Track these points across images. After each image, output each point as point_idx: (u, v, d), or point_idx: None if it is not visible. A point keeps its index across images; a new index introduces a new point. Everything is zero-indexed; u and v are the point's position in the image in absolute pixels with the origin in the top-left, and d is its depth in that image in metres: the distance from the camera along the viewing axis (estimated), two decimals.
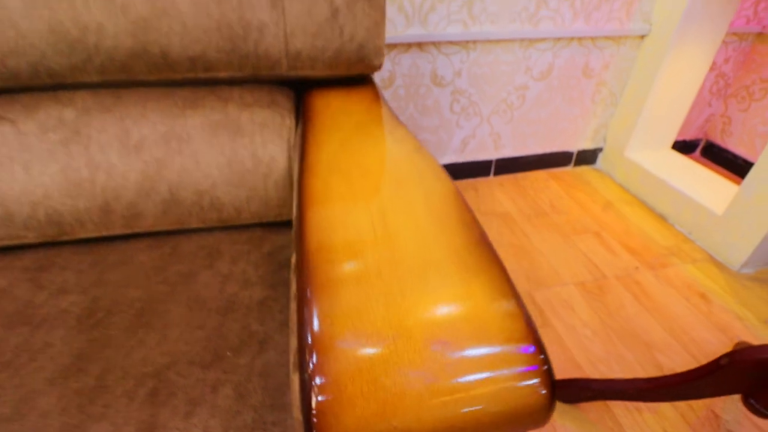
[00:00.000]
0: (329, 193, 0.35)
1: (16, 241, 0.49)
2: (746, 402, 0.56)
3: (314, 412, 0.20)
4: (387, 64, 1.07)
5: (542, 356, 0.24)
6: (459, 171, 1.34)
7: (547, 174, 1.41)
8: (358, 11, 0.51)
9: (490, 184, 1.34)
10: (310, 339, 0.23)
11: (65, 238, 0.50)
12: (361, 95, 0.55)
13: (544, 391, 0.23)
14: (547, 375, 0.23)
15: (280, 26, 0.49)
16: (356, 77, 0.60)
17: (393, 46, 1.04)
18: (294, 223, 0.36)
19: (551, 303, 0.91)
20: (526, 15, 1.08)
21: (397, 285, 0.26)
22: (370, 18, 0.52)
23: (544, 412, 0.23)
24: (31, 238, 0.49)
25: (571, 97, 1.28)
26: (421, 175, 0.38)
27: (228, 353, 0.36)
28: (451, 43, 1.08)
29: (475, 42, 1.09)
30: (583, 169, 1.44)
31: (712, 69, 1.37)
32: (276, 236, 0.52)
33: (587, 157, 1.45)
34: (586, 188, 1.33)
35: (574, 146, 1.41)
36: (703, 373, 0.57)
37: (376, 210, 0.33)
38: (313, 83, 0.59)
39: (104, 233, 0.50)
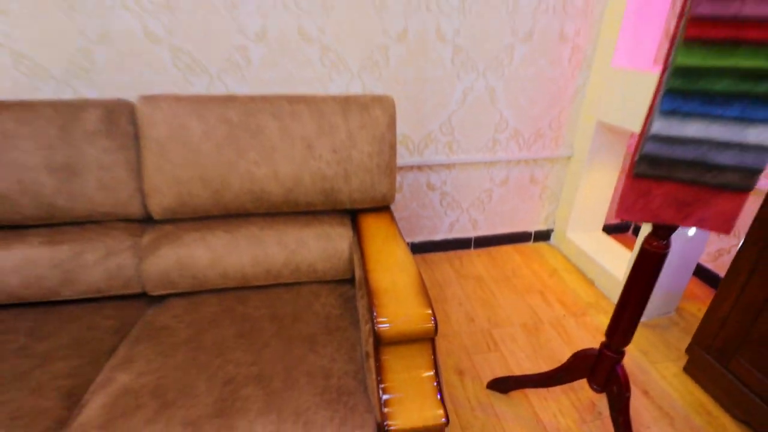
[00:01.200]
0: (375, 266, 0.89)
1: (207, 287, 1.03)
2: (588, 383, 1.04)
3: (379, 333, 0.72)
4: (397, 178, 1.66)
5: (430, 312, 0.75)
6: (447, 245, 1.88)
7: (513, 248, 1.94)
8: (383, 181, 1.09)
9: (470, 255, 1.88)
10: (375, 314, 0.75)
11: (232, 285, 1.04)
12: (385, 217, 1.12)
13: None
14: (434, 322, 0.75)
15: (348, 189, 1.07)
16: (381, 207, 1.17)
17: (401, 168, 1.64)
18: (359, 278, 0.89)
19: (502, 337, 1.40)
20: (487, 148, 1.69)
21: (397, 298, 0.79)
22: (388, 182, 1.11)
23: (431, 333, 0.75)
24: (220, 285, 1.03)
25: (524, 197, 1.86)
26: (407, 260, 0.92)
27: (326, 334, 0.88)
28: (439, 165, 1.68)
29: (454, 164, 1.69)
30: (540, 245, 1.97)
31: (622, 171, 1.95)
32: (343, 286, 1.06)
33: (543, 235, 1.99)
34: (540, 259, 1.85)
35: (532, 228, 1.96)
36: (566, 366, 1.05)
37: (391, 274, 0.86)
38: (360, 210, 1.16)
39: (263, 282, 1.05)
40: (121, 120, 1.02)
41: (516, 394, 1.18)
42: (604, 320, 1.48)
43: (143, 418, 0.69)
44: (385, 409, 0.68)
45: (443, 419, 0.67)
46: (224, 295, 1.02)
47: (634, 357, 1.32)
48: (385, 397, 0.69)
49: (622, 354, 0.95)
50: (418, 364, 0.72)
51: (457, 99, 1.56)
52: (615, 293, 1.56)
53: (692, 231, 1.31)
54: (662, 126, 0.64)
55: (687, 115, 0.62)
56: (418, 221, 1.80)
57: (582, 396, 1.18)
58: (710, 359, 1.16)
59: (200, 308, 0.96)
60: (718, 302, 1.12)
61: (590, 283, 1.69)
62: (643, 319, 1.48)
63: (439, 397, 0.69)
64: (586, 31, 1.53)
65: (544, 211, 1.93)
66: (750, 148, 0.61)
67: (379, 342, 0.72)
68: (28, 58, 1.22)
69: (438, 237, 1.87)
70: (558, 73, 1.59)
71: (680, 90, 0.60)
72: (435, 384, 0.70)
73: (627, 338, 0.92)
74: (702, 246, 1.36)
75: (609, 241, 1.80)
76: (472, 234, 1.90)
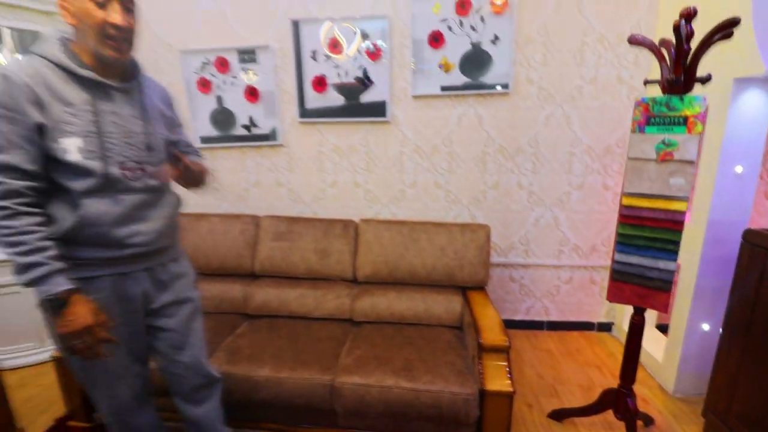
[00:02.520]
0: (478, 316, 1.68)
1: (384, 320, 1.90)
2: (613, 412, 1.60)
3: (482, 344, 1.49)
4: (490, 271, 2.46)
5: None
6: (524, 324, 2.53)
7: (579, 334, 2.50)
8: (481, 272, 1.92)
9: (543, 334, 2.49)
10: (481, 335, 1.53)
11: (397, 320, 1.89)
12: (482, 293, 1.92)
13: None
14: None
15: (462, 275, 1.92)
16: (480, 287, 1.98)
17: (492, 264, 2.44)
18: (467, 321, 1.68)
19: (563, 390, 1.97)
20: (554, 255, 2.43)
21: (491, 329, 1.55)
22: (484, 273, 1.93)
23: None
24: (390, 319, 1.89)
25: (586, 293, 2.48)
26: (494, 314, 1.69)
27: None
28: (518, 264, 2.45)
29: (529, 265, 2.44)
30: (603, 334, 2.50)
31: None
32: (455, 330, 1.84)
33: (605, 327, 2.52)
34: (601, 344, 2.38)
35: (595, 319, 2.52)
36: (598, 400, 1.64)
37: (487, 319, 1.64)
38: (468, 287, 1.99)
39: (413, 321, 1.89)
40: (350, 230, 2.05)
41: (568, 423, 1.75)
42: (645, 390, 1.96)
43: (373, 366, 1.52)
44: (483, 381, 1.42)
45: (510, 389, 1.37)
46: (393, 325, 1.88)
47: (667, 419, 1.79)
48: (483, 376, 1.43)
49: (631, 390, 1.54)
50: (499, 360, 1.45)
51: (531, 222, 2.38)
52: (657, 372, 2.04)
53: (707, 326, 1.83)
54: (619, 257, 1.39)
55: (629, 254, 1.37)
56: (503, 303, 2.52)
57: (614, 427, 1.70)
58: (715, 419, 1.62)
59: (382, 329, 1.83)
60: (715, 376, 1.63)
61: (640, 365, 2.17)
62: (679, 395, 1.93)
63: (509, 377, 1.40)
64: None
65: (604, 306, 2.50)
66: (662, 270, 1.33)
67: (482, 349, 1.48)
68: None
69: (517, 317, 2.54)
70: (605, 208, 2.33)
71: (623, 243, 1.37)
72: (507, 372, 1.42)
73: (631, 379, 1.53)
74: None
75: (658, 335, 2.28)
76: (544, 318, 2.54)
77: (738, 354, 1.50)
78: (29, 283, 0.90)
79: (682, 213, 1.27)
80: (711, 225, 1.72)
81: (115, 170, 0.99)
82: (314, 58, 2.25)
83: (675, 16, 1.27)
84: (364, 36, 2.20)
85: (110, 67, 0.99)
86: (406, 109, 2.28)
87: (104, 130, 0.98)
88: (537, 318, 2.54)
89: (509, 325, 2.54)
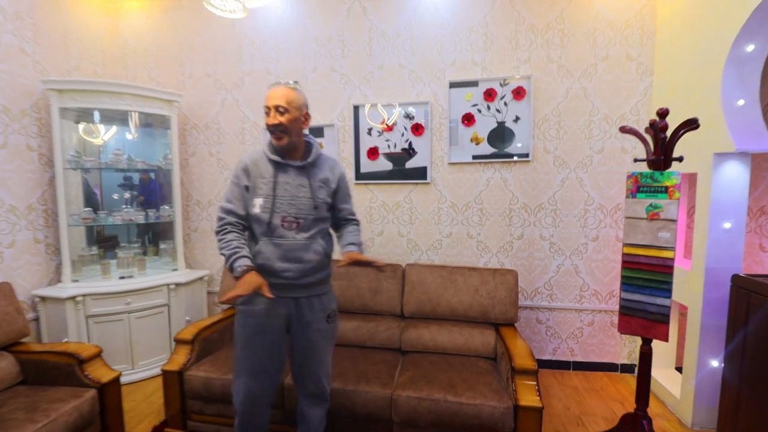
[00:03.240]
0: (510, 346, 2.00)
1: (428, 349, 2.23)
2: None
3: (515, 367, 1.81)
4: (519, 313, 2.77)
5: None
6: (550, 364, 2.78)
7: (603, 374, 2.72)
8: (511, 311, 2.26)
9: (569, 374, 2.72)
10: (513, 361, 1.85)
11: (440, 351, 2.22)
12: (512, 328, 2.25)
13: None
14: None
15: (494, 313, 2.27)
16: (510, 323, 2.30)
17: (520, 307, 2.76)
18: (501, 351, 2.01)
19: (588, 421, 2.19)
20: (576, 300, 2.73)
21: (521, 356, 1.87)
22: (514, 311, 2.27)
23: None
24: (433, 350, 2.23)
25: (608, 335, 2.73)
26: (524, 345, 2.01)
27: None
28: (544, 308, 2.75)
29: (554, 308, 2.75)
30: (626, 375, 2.71)
31: None
32: (490, 360, 2.15)
33: (628, 368, 2.73)
34: (624, 384, 2.59)
35: (618, 360, 2.74)
36: (618, 425, 1.88)
37: (517, 349, 1.95)
38: (499, 324, 2.31)
39: (452, 352, 2.22)
40: (398, 272, 2.46)
41: None
42: (666, 424, 2.16)
43: (423, 383, 1.85)
44: (517, 397, 1.72)
45: (540, 404, 1.67)
46: (436, 354, 2.20)
47: None
48: (517, 388, 1.74)
49: (646, 413, 1.80)
50: (529, 380, 1.76)
51: (553, 269, 2.72)
52: (676, 408, 2.24)
53: (715, 362, 2.07)
54: (624, 294, 1.74)
55: (632, 292, 1.71)
56: (531, 343, 2.79)
57: None
58: None
59: (427, 357, 2.16)
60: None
61: (661, 403, 2.37)
62: (697, 428, 2.12)
63: (538, 395, 1.70)
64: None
65: (626, 348, 2.73)
66: (659, 305, 1.66)
67: (514, 372, 1.80)
68: None
69: (544, 357, 2.79)
70: (619, 257, 2.66)
71: (626, 283, 1.72)
72: (537, 391, 1.72)
73: (645, 402, 1.79)
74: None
75: (676, 374, 2.48)
76: (570, 359, 2.78)
77: (737, 382, 1.75)
78: (230, 267, 1.40)
79: (671, 259, 1.63)
80: (708, 272, 2.04)
81: (277, 221, 1.47)
82: (369, 133, 2.82)
83: (665, 101, 1.72)
84: (410, 117, 2.76)
85: (289, 151, 1.50)
86: (443, 173, 2.77)
87: (277, 194, 1.48)
88: (563, 358, 2.78)
89: (537, 364, 2.79)
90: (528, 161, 2.68)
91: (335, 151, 2.87)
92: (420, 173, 2.79)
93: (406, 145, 2.79)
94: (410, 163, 2.80)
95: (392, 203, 2.85)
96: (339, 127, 2.86)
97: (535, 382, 1.76)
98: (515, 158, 2.68)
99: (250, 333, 1.52)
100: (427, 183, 2.79)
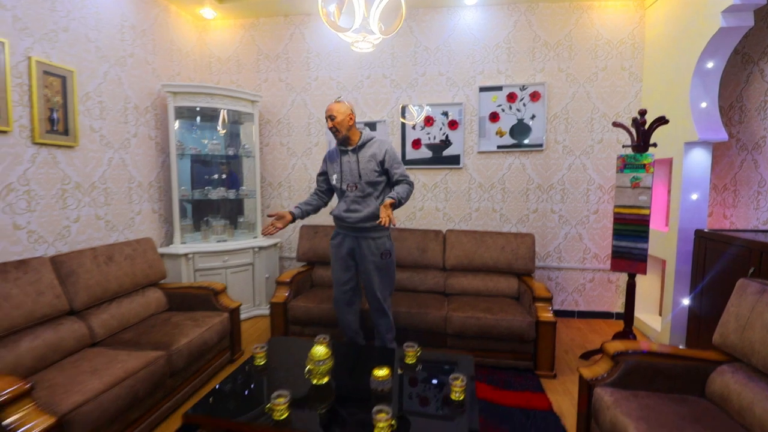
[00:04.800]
0: (532, 285, 2.67)
1: (467, 292, 2.92)
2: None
3: (534, 296, 2.50)
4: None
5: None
6: (558, 314, 3.46)
7: (602, 320, 3.40)
8: (530, 265, 2.94)
9: (574, 321, 3.40)
10: (534, 294, 2.53)
11: (474, 293, 2.91)
12: (531, 278, 2.93)
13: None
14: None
15: (517, 265, 2.95)
16: (529, 273, 2.99)
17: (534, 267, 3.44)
18: (523, 290, 2.69)
19: (590, 347, 2.87)
20: (579, 261, 3.40)
21: (538, 290, 2.55)
22: (532, 265, 2.95)
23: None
24: (470, 292, 2.91)
25: (605, 289, 3.40)
26: (542, 285, 2.69)
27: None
28: (553, 267, 3.43)
29: (561, 268, 3.42)
30: (619, 321, 3.38)
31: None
32: (514, 298, 2.83)
33: (621, 315, 3.40)
34: (618, 326, 3.26)
35: (614, 309, 3.42)
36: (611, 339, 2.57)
37: (536, 288, 2.63)
38: (521, 273, 2.99)
39: (484, 293, 2.90)
40: (440, 236, 3.15)
41: (592, 360, 2.65)
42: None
43: (468, 308, 2.53)
44: (537, 315, 2.40)
45: (554, 319, 2.35)
46: (472, 296, 2.89)
47: None
48: (537, 310, 2.42)
49: (631, 330, 2.47)
50: (545, 304, 2.44)
51: (561, 237, 3.40)
52: (657, 338, 2.91)
53: (686, 301, 2.74)
54: (615, 242, 2.42)
55: (620, 240, 2.39)
56: None
57: None
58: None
59: (465, 296, 2.84)
60: None
61: (646, 337, 3.05)
62: None
63: (551, 314, 2.38)
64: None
65: (620, 299, 3.40)
66: (639, 249, 2.34)
67: (534, 299, 2.48)
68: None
69: (554, 308, 3.47)
70: None
71: (616, 233, 2.41)
72: (551, 311, 2.40)
73: (630, 320, 2.46)
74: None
75: (658, 318, 3.16)
76: (575, 309, 3.45)
77: (698, 306, 2.43)
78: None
79: (647, 215, 2.31)
80: (680, 231, 2.71)
81: (344, 187, 2.23)
82: (413, 128, 3.50)
83: (651, 102, 2.40)
84: (447, 114, 3.44)
85: (345, 141, 2.24)
86: (473, 159, 3.45)
87: (343, 170, 2.24)
88: (569, 308, 3.46)
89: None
90: (542, 150, 3.36)
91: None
92: (454, 160, 3.47)
93: (443, 137, 3.47)
94: (446, 152, 3.48)
95: (431, 184, 3.54)
96: (389, 122, 3.55)
97: (550, 306, 2.44)
98: (531, 148, 3.35)
99: (331, 256, 2.37)
100: (460, 168, 3.47)
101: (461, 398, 1.50)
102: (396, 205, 2.09)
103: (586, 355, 2.68)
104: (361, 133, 2.27)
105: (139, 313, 2.40)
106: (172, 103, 3.17)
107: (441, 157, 3.49)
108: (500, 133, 3.39)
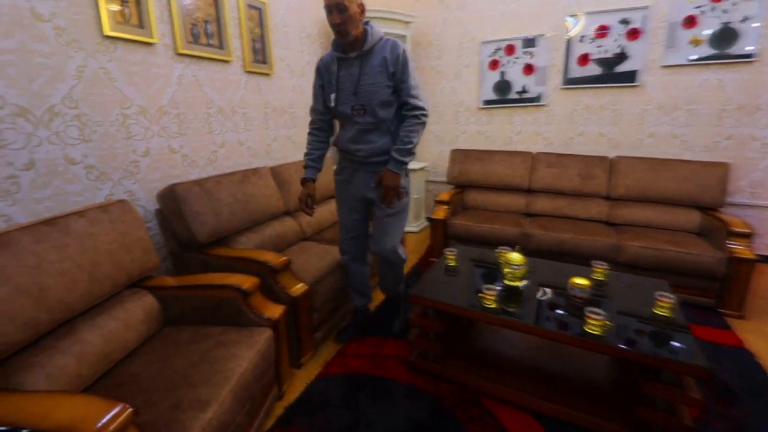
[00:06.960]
0: (727, 219, 2.39)
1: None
2: None
3: (731, 233, 2.24)
4: None
5: None
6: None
7: None
8: (720, 196, 2.59)
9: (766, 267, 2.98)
10: (729, 228, 2.27)
11: None
12: (720, 213, 2.60)
13: None
14: None
15: (703, 196, 2.62)
16: (716, 208, 2.65)
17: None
18: (716, 225, 2.42)
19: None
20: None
21: (735, 222, 2.27)
22: (722, 197, 2.59)
23: None
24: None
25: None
26: (739, 219, 2.38)
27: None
28: (746, 205, 2.96)
29: (756, 206, 2.94)
30: None
31: None
32: (695, 234, 2.58)
33: None
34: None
35: None
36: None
37: (734, 221, 2.34)
38: (705, 208, 2.67)
39: None
40: (606, 162, 2.92)
41: None
42: None
43: (643, 237, 2.40)
44: (731, 251, 2.17)
45: (754, 257, 2.09)
46: (642, 228, 2.70)
47: None
48: (732, 245, 2.18)
49: None
50: (744, 240, 2.18)
51: (761, 169, 2.87)
52: None
53: None
54: None
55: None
56: None
57: None
58: None
59: (635, 228, 2.68)
60: None
61: None
62: None
63: (751, 251, 2.11)
64: None
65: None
66: None
67: (730, 234, 2.22)
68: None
69: None
70: None
71: None
72: (750, 248, 2.14)
73: None
74: None
75: None
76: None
77: None
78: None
79: None
80: None
81: (347, 110, 1.66)
82: (581, 40, 3.13)
83: None
84: (626, 22, 2.98)
85: (347, 45, 1.59)
86: (655, 75, 3.00)
87: (341, 88, 1.64)
88: (763, 252, 3.02)
89: None
90: (752, 62, 2.74)
91: (547, 59, 3.27)
92: (628, 77, 3.06)
93: (618, 50, 3.05)
94: (619, 68, 3.08)
95: (597, 105, 3.22)
96: (551, 38, 3.23)
97: (749, 242, 2.18)
98: (737, 59, 2.76)
99: (336, 196, 1.93)
100: (635, 86, 3.06)
101: (668, 315, 1.50)
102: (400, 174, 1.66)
103: None
104: (366, 32, 1.60)
105: (329, 219, 2.82)
106: None
107: (612, 74, 3.11)
108: (695, 42, 2.85)
